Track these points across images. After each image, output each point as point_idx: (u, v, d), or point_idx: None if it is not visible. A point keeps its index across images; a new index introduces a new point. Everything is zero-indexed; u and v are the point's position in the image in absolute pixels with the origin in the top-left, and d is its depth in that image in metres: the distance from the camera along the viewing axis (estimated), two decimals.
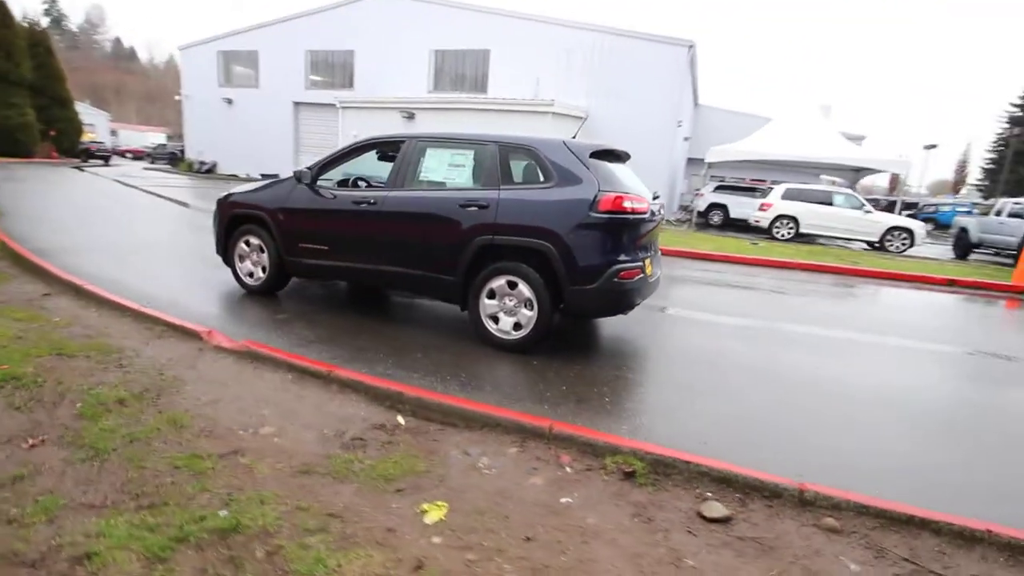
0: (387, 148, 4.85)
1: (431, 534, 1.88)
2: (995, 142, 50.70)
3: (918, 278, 8.73)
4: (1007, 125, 49.81)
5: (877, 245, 14.28)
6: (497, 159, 4.09)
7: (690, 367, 3.99)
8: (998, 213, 13.55)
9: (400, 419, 2.74)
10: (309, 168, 4.72)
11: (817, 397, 3.53)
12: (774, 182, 18.43)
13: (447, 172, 4.29)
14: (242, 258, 5.13)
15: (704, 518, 2.10)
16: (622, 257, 3.78)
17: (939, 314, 6.99)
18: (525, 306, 3.94)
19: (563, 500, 2.16)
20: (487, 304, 4.06)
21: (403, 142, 4.51)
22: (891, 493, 2.27)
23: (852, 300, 7.35)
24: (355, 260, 4.52)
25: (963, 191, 50.95)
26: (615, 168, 4.10)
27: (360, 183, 5.28)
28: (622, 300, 3.85)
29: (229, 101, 23.31)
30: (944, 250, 15.96)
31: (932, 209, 30.38)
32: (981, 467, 2.74)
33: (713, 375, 3.81)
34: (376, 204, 4.36)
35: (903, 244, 14.00)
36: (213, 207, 5.41)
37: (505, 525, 1.96)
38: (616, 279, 3.75)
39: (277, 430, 2.51)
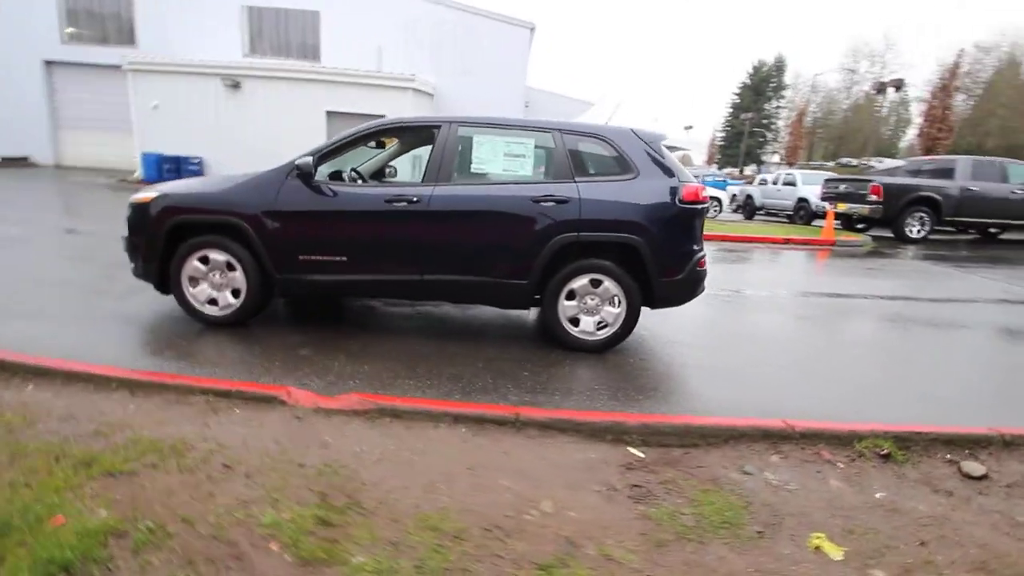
0: (414, 133, 4.05)
1: (860, 568, 1.75)
2: (724, 124, 63.86)
3: (767, 239, 10.75)
4: (731, 110, 63.08)
5: None
6: (565, 149, 3.75)
7: (741, 342, 4.32)
8: (775, 183, 17.30)
9: (635, 451, 2.42)
10: (311, 156, 3.69)
11: (856, 348, 4.20)
12: None
13: (505, 163, 3.78)
14: (195, 281, 3.82)
15: (971, 477, 2.37)
16: (696, 247, 3.85)
17: (801, 267, 8.75)
18: (610, 304, 3.76)
19: (878, 496, 2.20)
20: (566, 306, 3.77)
21: (438, 127, 3.82)
22: None
23: (772, 263, 8.73)
24: (388, 271, 3.74)
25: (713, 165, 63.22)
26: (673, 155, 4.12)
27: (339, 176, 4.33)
28: (698, 287, 3.93)
29: None
30: (728, 214, 19.75)
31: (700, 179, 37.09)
32: None
33: (770, 346, 4.21)
34: (420, 202, 3.64)
35: (715, 211, 16.99)
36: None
37: (888, 537, 1.93)
38: (697, 268, 3.82)
39: (555, 503, 2.00)
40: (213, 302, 3.85)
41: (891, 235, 11.87)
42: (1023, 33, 41.90)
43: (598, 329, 3.79)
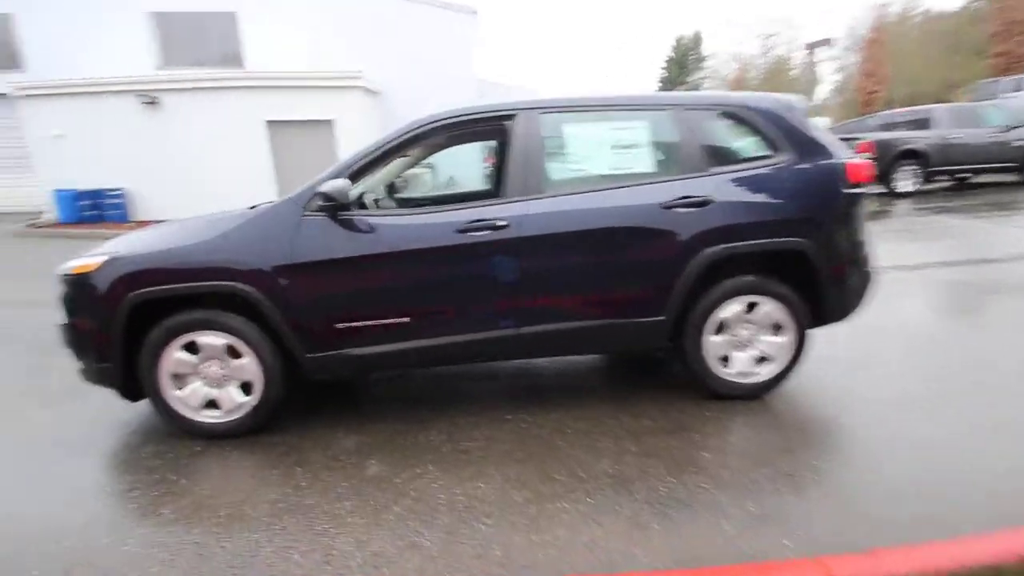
0: (474, 129, 2.90)
1: None
2: None
3: None
4: (660, 84, 64.08)
5: None
6: (691, 131, 2.74)
7: (885, 349, 3.52)
8: None
9: None
10: (342, 177, 2.52)
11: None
12: None
13: (613, 158, 2.74)
14: (182, 379, 2.57)
15: None
16: (865, 240, 2.95)
17: None
18: (772, 331, 2.81)
19: None
20: (714, 342, 2.78)
21: (511, 118, 2.71)
22: None
23: None
24: (470, 329, 2.63)
25: None
26: None
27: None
28: (867, 292, 3.03)
29: None
30: None
31: None
32: None
33: (926, 350, 3.46)
34: (509, 227, 2.54)
35: None
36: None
37: None
38: (867, 268, 2.94)
39: None
40: (213, 404, 2.61)
41: (883, 191, 11.66)
42: None
43: (756, 366, 2.84)
